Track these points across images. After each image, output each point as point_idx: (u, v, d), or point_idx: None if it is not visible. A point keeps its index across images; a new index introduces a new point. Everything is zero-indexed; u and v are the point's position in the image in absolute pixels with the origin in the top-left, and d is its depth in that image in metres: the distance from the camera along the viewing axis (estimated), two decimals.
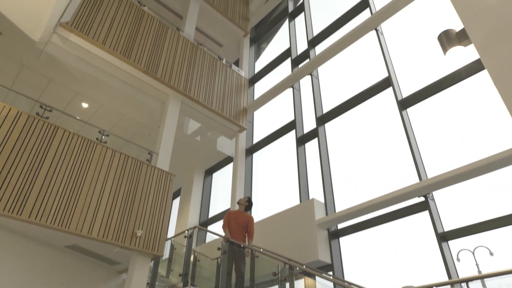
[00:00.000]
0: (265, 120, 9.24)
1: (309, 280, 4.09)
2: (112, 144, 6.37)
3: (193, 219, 9.08)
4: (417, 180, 5.15)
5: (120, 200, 5.71)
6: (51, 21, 6.10)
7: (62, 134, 5.51)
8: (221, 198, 9.30)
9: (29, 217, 4.71)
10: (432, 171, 5.14)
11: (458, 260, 4.68)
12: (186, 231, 6.01)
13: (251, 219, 5.25)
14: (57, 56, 6.65)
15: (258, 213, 7.49)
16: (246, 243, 5.08)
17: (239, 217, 5.18)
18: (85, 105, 8.34)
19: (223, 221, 5.25)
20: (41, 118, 5.50)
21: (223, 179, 9.59)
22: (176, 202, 10.11)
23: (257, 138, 9.00)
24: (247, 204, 5.36)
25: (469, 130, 5.06)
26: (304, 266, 4.34)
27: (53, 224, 4.89)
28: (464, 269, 4.55)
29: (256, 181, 8.49)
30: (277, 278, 3.93)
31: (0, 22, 5.96)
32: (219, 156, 9.49)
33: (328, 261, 5.64)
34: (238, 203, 5.45)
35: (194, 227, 6.13)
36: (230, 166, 9.16)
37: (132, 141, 7.33)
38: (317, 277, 4.11)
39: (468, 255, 4.79)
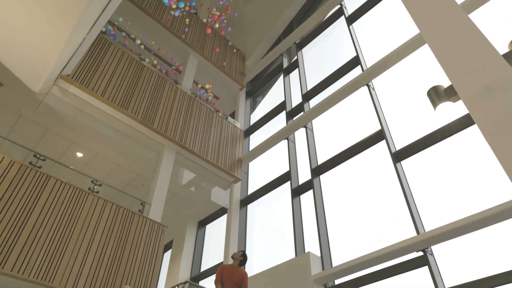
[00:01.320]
0: (260, 171, 9.23)
1: None
2: (104, 194, 6.27)
3: (184, 273, 8.66)
4: (415, 234, 5.04)
5: (108, 253, 5.49)
6: (52, 74, 6.29)
7: (53, 183, 5.43)
8: (214, 251, 8.98)
9: (11, 270, 4.48)
10: (430, 224, 5.06)
11: None
12: (176, 287, 5.70)
13: (246, 275, 5.00)
14: (55, 106, 6.77)
15: (252, 267, 7.19)
16: None
17: (232, 273, 4.94)
18: (79, 154, 8.32)
19: (216, 276, 5.00)
20: (34, 167, 5.45)
21: (216, 231, 9.33)
22: (167, 255, 9.72)
23: (251, 189, 8.93)
24: (242, 258, 5.13)
25: (466, 183, 5.07)
26: None
27: (36, 278, 4.64)
28: None
29: (251, 233, 8.27)
30: None
31: (2, 73, 6.14)
32: (213, 207, 9.32)
33: None
34: (232, 257, 5.23)
35: (185, 282, 5.85)
36: (224, 218, 8.96)
37: (125, 191, 7.22)
38: None
39: None
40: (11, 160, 5.14)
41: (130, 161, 8.42)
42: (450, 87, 3.51)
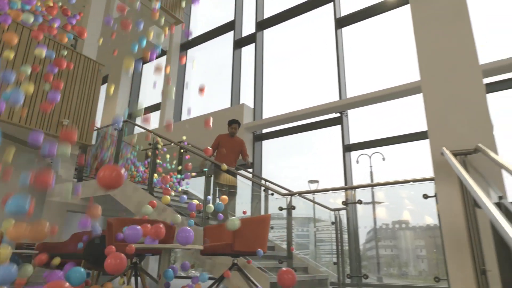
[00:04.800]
0: (203, 16, 8.79)
1: (230, 175, 4.67)
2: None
3: (121, 109, 8.97)
4: (338, 98, 5.73)
5: (42, 86, 5.40)
6: None
7: None
8: (151, 91, 9.19)
9: None
10: (352, 91, 5.73)
11: (357, 162, 5.63)
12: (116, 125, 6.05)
13: (243, 143, 5.10)
14: None
15: (189, 111, 7.70)
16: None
17: (231, 143, 4.96)
18: None
19: (212, 144, 4.96)
20: None
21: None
22: (103, 88, 9.72)
23: (193, 34, 8.65)
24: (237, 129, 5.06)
25: (392, 58, 5.59)
26: (224, 165, 4.78)
27: None
28: (361, 173, 5.54)
29: (189, 77, 8.47)
30: (204, 172, 4.39)
31: None
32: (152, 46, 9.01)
33: (250, 160, 6.31)
34: (231, 133, 5.06)
35: (125, 121, 6.18)
36: (163, 59, 8.85)
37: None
38: (238, 176, 4.71)
39: (365, 160, 5.77)
40: None
41: None
42: None
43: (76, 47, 6.20)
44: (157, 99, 8.62)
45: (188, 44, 8.59)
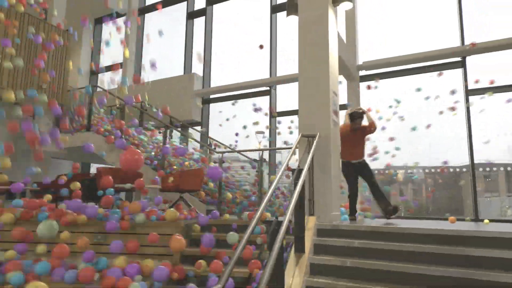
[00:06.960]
0: None
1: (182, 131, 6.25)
2: None
3: (84, 66, 9.86)
4: (268, 76, 7.32)
5: (23, 56, 6.42)
6: None
7: None
8: (113, 51, 10.08)
9: None
10: (279, 71, 7.32)
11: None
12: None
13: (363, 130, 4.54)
14: None
15: (146, 74, 8.92)
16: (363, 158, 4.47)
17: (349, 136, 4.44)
18: None
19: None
20: None
21: (114, 32, 10.12)
22: None
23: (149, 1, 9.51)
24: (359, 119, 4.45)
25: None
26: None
27: None
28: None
29: (146, 42, 9.48)
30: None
31: None
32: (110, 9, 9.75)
33: (199, 119, 7.89)
34: (355, 127, 4.46)
35: (94, 86, 7.33)
36: (121, 20, 9.68)
37: None
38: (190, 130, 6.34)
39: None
40: None
41: None
42: None
43: (46, 18, 7.09)
44: (119, 58, 9.60)
45: (146, 8, 9.48)
